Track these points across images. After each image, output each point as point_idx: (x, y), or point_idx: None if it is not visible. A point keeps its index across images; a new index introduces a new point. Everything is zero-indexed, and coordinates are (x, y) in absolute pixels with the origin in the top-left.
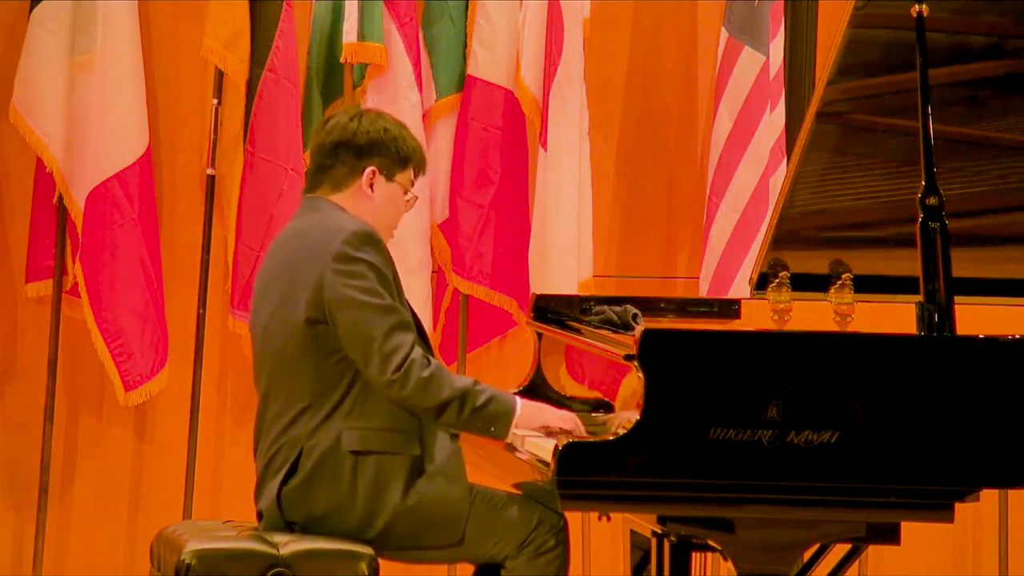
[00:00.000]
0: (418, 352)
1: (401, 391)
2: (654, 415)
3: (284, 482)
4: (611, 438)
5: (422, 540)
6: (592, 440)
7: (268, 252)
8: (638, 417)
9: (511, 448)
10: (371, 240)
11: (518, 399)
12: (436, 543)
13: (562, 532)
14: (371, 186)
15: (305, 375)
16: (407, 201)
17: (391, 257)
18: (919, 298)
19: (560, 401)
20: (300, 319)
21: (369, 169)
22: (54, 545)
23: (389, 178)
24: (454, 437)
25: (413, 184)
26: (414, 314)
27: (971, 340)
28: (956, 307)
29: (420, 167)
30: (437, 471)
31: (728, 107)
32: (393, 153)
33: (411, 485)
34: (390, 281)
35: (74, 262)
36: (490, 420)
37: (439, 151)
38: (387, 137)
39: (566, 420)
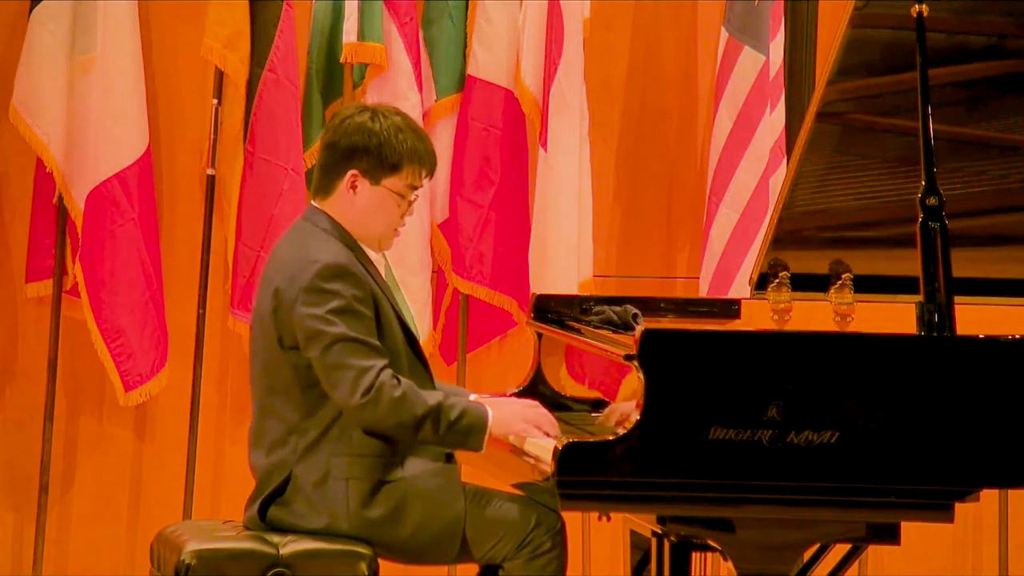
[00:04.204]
0: (387, 374)
1: (374, 413)
2: (654, 415)
3: (273, 502)
4: (611, 438)
5: (417, 559)
6: (592, 440)
7: (267, 262)
8: (638, 417)
9: (517, 453)
10: (341, 272)
11: (489, 409)
12: (432, 560)
13: (560, 534)
14: (353, 188)
15: (293, 398)
16: (409, 202)
17: (371, 283)
18: (919, 298)
19: (559, 401)
20: (280, 343)
21: (350, 173)
22: (54, 545)
23: (374, 183)
24: (450, 457)
25: (414, 188)
26: (408, 332)
27: (971, 340)
28: (956, 307)
29: (420, 168)
30: (430, 493)
31: (728, 107)
32: (377, 158)
33: (403, 510)
34: (360, 311)
35: (74, 262)
36: (465, 433)
37: (439, 151)
38: (371, 142)
39: (540, 417)
